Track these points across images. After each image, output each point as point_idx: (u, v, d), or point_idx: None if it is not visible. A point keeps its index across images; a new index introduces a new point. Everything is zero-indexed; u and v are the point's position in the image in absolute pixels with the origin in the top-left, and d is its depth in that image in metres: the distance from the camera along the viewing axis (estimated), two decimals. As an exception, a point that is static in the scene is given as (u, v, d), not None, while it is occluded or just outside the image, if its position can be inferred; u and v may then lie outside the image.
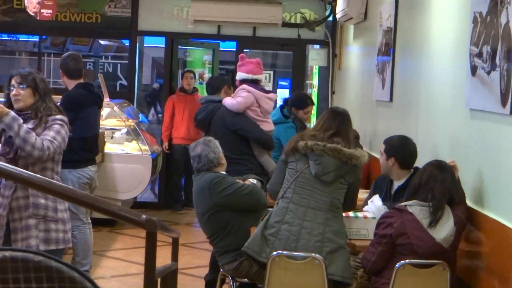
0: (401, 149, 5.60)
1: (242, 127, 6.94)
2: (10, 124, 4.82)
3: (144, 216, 3.19)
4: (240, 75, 7.17)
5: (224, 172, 6.04)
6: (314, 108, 12.48)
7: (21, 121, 4.89)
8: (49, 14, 10.99)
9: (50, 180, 4.00)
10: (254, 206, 5.90)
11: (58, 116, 5.09)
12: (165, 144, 11.34)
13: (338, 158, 5.13)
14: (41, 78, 5.17)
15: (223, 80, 7.67)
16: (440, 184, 4.85)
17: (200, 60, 12.86)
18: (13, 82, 5.12)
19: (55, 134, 5.00)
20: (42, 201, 4.95)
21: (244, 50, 12.05)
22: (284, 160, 5.33)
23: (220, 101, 7.09)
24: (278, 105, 8.39)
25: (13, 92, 5.10)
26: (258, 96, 7.02)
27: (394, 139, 5.72)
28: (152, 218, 3.19)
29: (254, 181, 6.19)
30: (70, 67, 7.11)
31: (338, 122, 5.29)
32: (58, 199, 4.92)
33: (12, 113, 4.88)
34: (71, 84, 7.11)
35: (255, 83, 7.11)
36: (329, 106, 11.69)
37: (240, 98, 6.96)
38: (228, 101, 7.01)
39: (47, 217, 4.97)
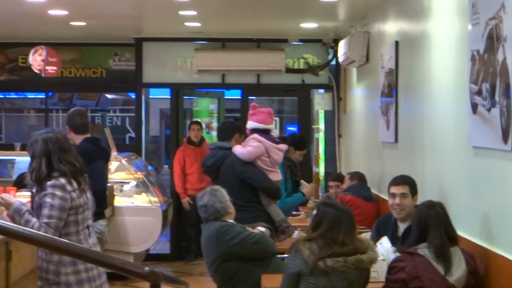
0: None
1: (251, 176, 6.92)
2: (13, 216, 5.09)
3: (147, 268, 3.18)
4: (251, 124, 7.14)
5: (232, 221, 6.02)
6: (322, 152, 12.52)
7: (24, 210, 5.08)
8: (54, 71, 11.11)
9: (51, 236, 4.02)
10: (262, 254, 5.87)
11: (49, 183, 5.10)
12: (187, 198, 11.13)
13: (360, 269, 4.90)
14: (35, 140, 5.18)
15: (235, 128, 7.59)
16: (435, 225, 4.89)
17: (206, 109, 12.90)
18: None
19: (49, 211, 5.05)
20: (44, 264, 5.09)
21: (249, 97, 12.08)
22: (297, 274, 4.91)
23: (230, 149, 7.09)
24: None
25: None
26: (268, 146, 6.99)
27: (408, 178, 5.87)
28: (155, 270, 3.18)
29: (263, 229, 6.16)
30: (76, 123, 7.16)
31: (328, 223, 4.91)
32: (62, 262, 5.02)
33: (15, 205, 5.11)
34: (78, 139, 7.13)
35: (266, 133, 7.09)
36: (336, 149, 11.68)
37: (251, 148, 6.94)
38: (239, 150, 6.99)
39: (49, 281, 5.09)
